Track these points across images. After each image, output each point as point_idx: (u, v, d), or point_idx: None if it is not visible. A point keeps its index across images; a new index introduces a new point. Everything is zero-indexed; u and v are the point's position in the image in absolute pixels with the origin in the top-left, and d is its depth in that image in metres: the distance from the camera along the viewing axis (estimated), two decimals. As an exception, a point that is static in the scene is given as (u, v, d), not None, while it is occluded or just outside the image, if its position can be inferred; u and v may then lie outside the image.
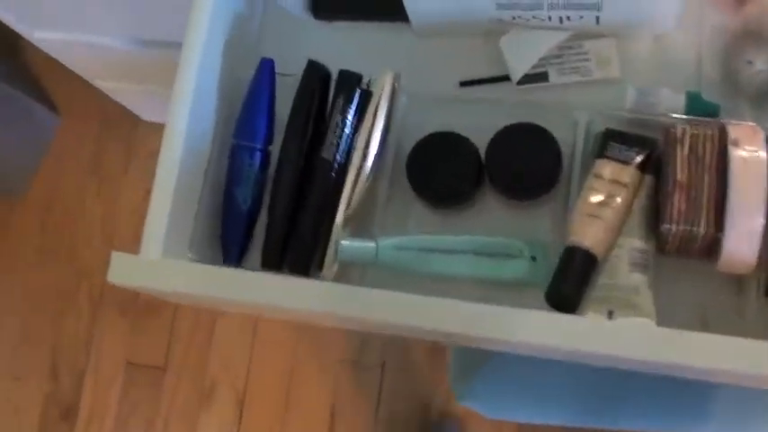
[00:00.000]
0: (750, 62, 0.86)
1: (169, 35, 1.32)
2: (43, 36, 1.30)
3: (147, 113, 1.78)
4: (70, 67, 1.46)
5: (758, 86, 0.85)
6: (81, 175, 1.86)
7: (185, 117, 0.80)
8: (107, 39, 1.29)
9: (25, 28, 1.29)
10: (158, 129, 0.79)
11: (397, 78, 0.82)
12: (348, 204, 0.82)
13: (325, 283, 0.78)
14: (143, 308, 1.76)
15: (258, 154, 0.86)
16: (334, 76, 0.86)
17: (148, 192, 0.77)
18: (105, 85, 1.54)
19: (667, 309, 0.79)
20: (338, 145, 0.83)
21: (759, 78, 0.85)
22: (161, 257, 0.76)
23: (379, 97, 0.82)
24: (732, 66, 0.86)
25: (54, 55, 1.40)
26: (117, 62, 1.39)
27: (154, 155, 0.77)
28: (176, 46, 0.82)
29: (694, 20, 0.87)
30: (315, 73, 0.86)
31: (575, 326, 0.72)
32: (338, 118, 0.83)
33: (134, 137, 1.85)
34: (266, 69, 0.86)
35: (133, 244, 0.76)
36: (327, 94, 0.86)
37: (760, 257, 0.76)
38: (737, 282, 0.81)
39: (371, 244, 0.80)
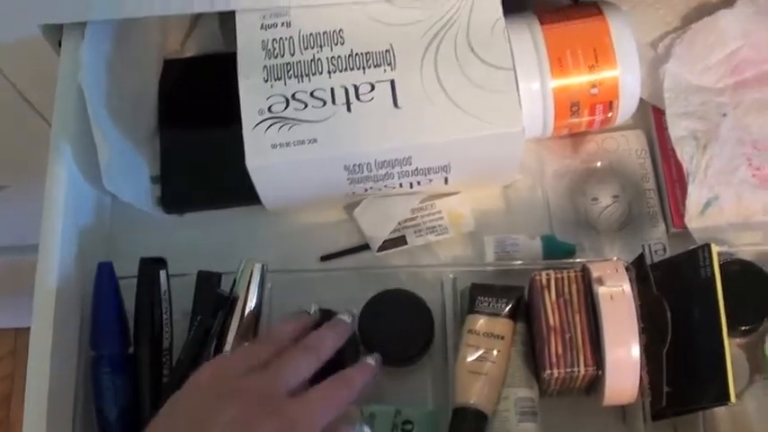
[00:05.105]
0: (595, 199, 0.90)
1: None
2: None
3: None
4: None
5: (608, 220, 0.89)
6: None
7: (49, 339, 0.78)
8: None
9: None
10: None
11: (264, 269, 0.81)
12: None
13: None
14: None
15: (114, 360, 0.82)
16: (179, 270, 0.84)
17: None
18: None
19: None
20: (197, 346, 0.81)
21: (607, 212, 0.89)
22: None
23: (246, 291, 0.80)
24: (580, 205, 0.90)
25: None
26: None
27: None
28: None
29: (536, 167, 0.91)
30: (149, 269, 0.83)
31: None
32: (198, 321, 0.81)
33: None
34: (105, 272, 0.83)
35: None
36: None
37: (640, 384, 0.77)
38: (622, 409, 0.82)
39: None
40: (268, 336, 0.77)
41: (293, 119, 0.81)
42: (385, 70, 0.82)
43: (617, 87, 0.85)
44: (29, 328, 0.79)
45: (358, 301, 0.83)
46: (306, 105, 0.81)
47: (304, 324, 0.78)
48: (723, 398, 0.74)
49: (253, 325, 0.81)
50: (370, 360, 0.77)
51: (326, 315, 0.81)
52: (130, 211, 0.90)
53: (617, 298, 0.77)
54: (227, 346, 0.79)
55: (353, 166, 0.82)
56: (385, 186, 0.86)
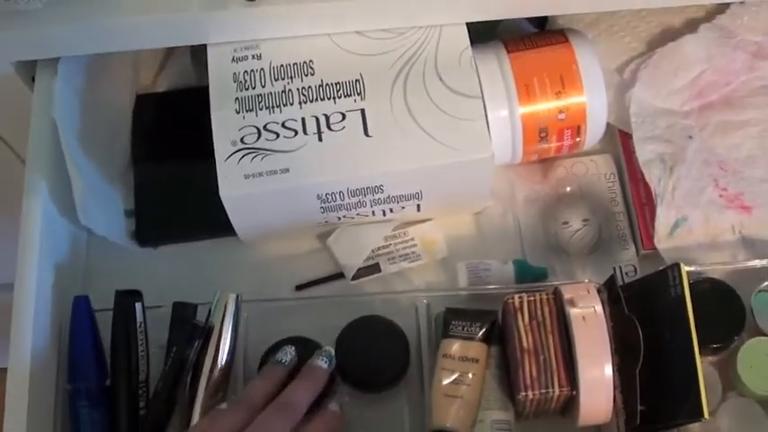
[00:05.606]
0: (566, 223, 0.91)
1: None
2: None
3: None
4: None
5: (578, 244, 0.90)
6: None
7: (26, 375, 0.78)
8: None
9: None
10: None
11: (239, 299, 0.82)
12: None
13: None
14: None
15: (91, 393, 0.82)
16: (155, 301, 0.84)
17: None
18: None
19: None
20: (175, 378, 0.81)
21: (578, 236, 0.90)
22: None
23: (221, 323, 0.81)
24: (551, 229, 0.91)
25: None
26: None
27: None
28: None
29: (507, 193, 0.92)
30: (125, 302, 0.83)
31: None
32: (174, 351, 0.81)
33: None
34: (81, 306, 0.83)
35: None
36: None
37: (615, 404, 0.78)
38: (597, 429, 0.83)
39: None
40: (242, 398, 0.76)
41: (265, 149, 0.82)
42: (355, 100, 0.83)
43: (584, 113, 0.87)
44: (5, 369, 0.79)
45: (333, 329, 0.84)
46: (278, 136, 0.82)
47: (278, 380, 0.78)
48: (697, 415, 0.75)
49: (223, 382, 0.81)
50: (334, 407, 0.78)
51: (306, 345, 0.81)
52: (106, 245, 0.91)
53: (589, 319, 0.78)
54: (197, 404, 0.79)
55: (326, 194, 0.83)
56: (358, 214, 0.86)
